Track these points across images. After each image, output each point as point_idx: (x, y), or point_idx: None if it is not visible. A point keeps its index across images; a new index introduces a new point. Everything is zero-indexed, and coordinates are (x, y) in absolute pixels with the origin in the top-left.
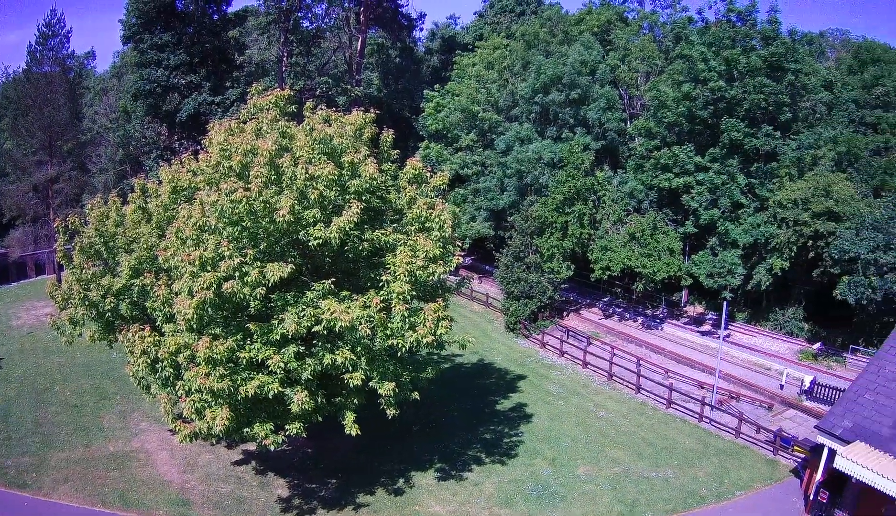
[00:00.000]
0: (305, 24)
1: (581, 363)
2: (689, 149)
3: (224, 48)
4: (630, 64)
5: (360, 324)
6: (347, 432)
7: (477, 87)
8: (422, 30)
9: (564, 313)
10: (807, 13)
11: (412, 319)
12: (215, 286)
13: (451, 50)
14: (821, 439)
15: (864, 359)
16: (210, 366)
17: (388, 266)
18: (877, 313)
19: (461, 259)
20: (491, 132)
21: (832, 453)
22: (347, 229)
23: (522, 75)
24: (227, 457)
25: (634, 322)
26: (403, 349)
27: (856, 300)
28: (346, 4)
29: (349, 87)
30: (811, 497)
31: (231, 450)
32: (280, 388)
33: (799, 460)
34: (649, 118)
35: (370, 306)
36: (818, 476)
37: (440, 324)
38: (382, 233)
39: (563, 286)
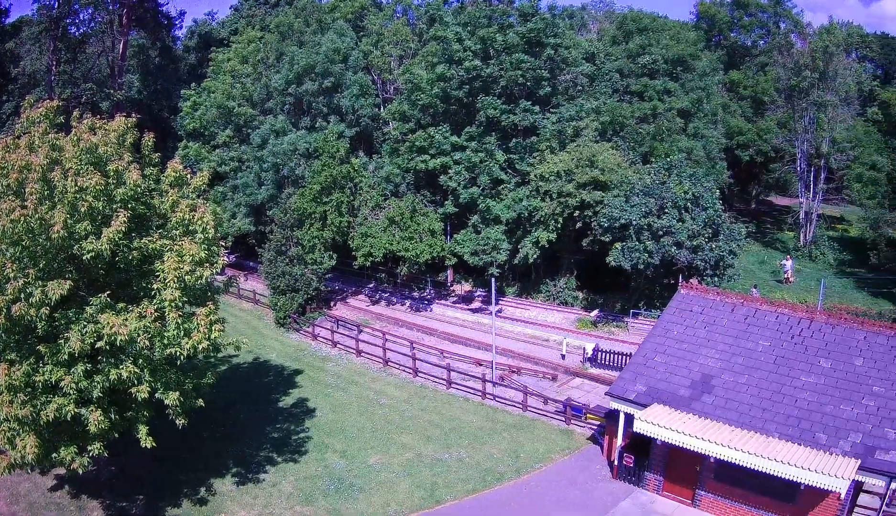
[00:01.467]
0: (73, 30)
1: (355, 352)
2: (444, 129)
3: (1, 61)
4: (383, 49)
5: (139, 335)
6: (143, 446)
7: (232, 83)
8: (181, 28)
9: (332, 303)
10: None
11: (186, 326)
12: (5, 310)
13: (208, 46)
14: (614, 405)
15: (647, 323)
16: (11, 393)
17: (157, 273)
18: (655, 276)
19: (226, 259)
20: (247, 127)
21: (630, 418)
22: (117, 239)
23: (277, 67)
24: (44, 484)
25: (403, 305)
26: (182, 357)
27: (632, 265)
28: (110, 7)
29: (112, 91)
30: (615, 462)
31: (46, 477)
32: (76, 409)
33: (595, 427)
34: (403, 102)
35: (145, 316)
36: (619, 441)
37: (213, 328)
38: (150, 241)
39: (327, 276)
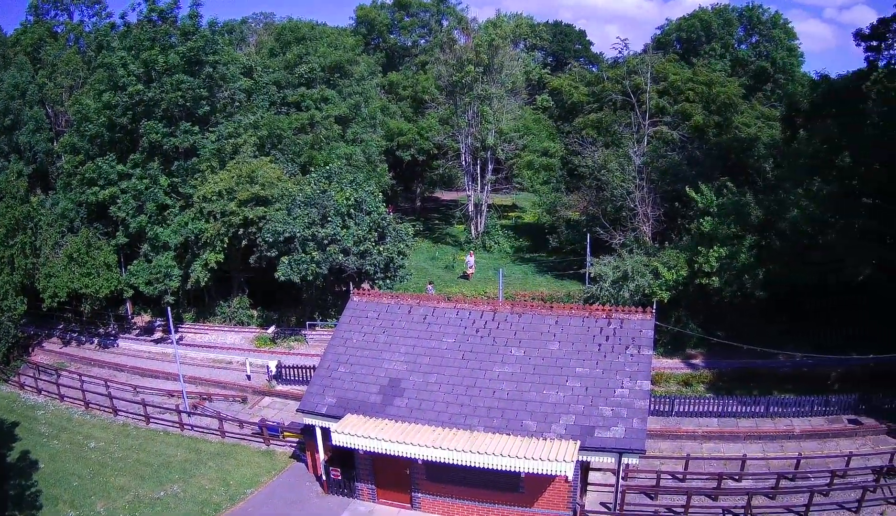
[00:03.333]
0: None
1: (58, 397)
2: (111, 158)
3: None
4: (56, 80)
5: None
6: None
7: None
8: None
9: (31, 349)
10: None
11: None
12: None
13: None
14: (308, 420)
15: (326, 333)
16: None
17: None
18: (326, 286)
19: None
20: None
21: (326, 431)
22: None
23: None
24: None
25: (91, 344)
26: None
27: (301, 278)
28: None
29: None
30: (323, 477)
31: None
32: None
33: (295, 445)
34: (73, 133)
35: None
36: (321, 456)
37: None
38: None
39: (22, 322)
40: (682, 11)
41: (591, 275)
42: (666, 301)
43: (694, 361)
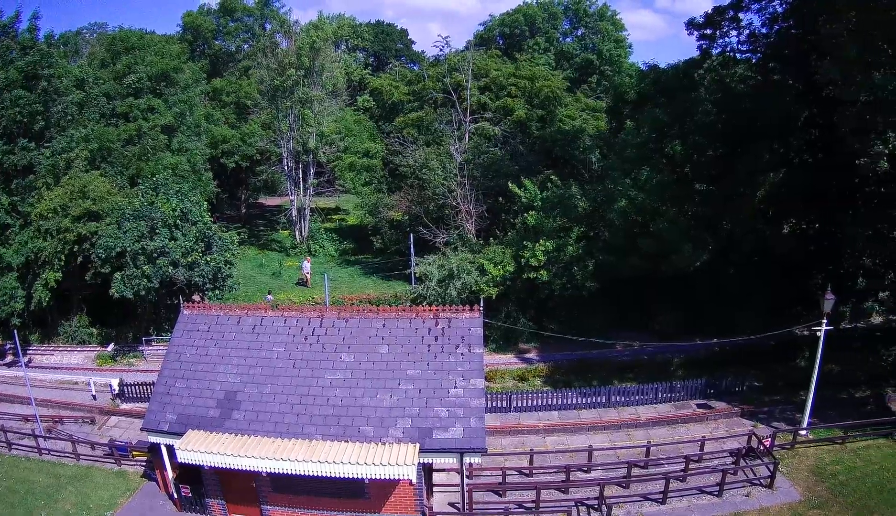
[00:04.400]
0: None
1: None
2: None
3: None
4: None
5: None
6: None
7: None
8: None
9: None
10: (76, 12)
11: None
12: None
13: None
14: (153, 438)
15: (163, 348)
16: None
17: None
18: (159, 299)
19: None
20: None
21: (171, 448)
22: None
23: None
24: None
25: None
26: None
27: (134, 293)
28: None
29: None
30: (174, 495)
31: None
32: None
33: (145, 464)
34: None
35: None
36: (169, 474)
37: None
38: None
39: None
40: (506, 7)
41: (417, 275)
42: (494, 297)
43: (528, 355)
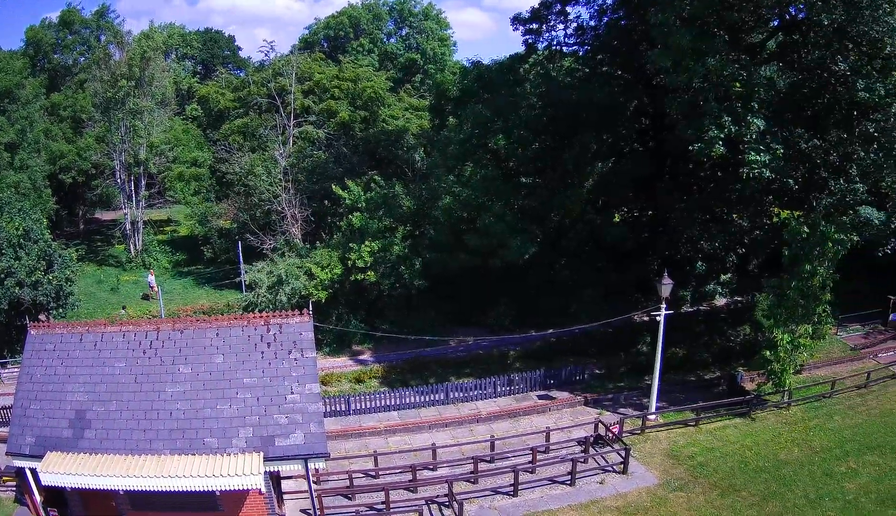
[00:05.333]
0: None
1: None
2: None
3: None
4: None
5: None
6: None
7: None
8: None
9: None
10: None
11: None
12: None
13: None
14: (17, 462)
15: (17, 370)
16: None
17: None
18: (9, 321)
19: None
20: None
21: (35, 472)
22: None
23: None
24: None
25: None
26: None
27: None
28: None
29: None
30: None
31: None
32: None
33: (14, 489)
34: None
35: None
36: (37, 497)
37: None
38: None
39: None
40: (333, 10)
41: (248, 283)
42: (324, 300)
43: (362, 357)
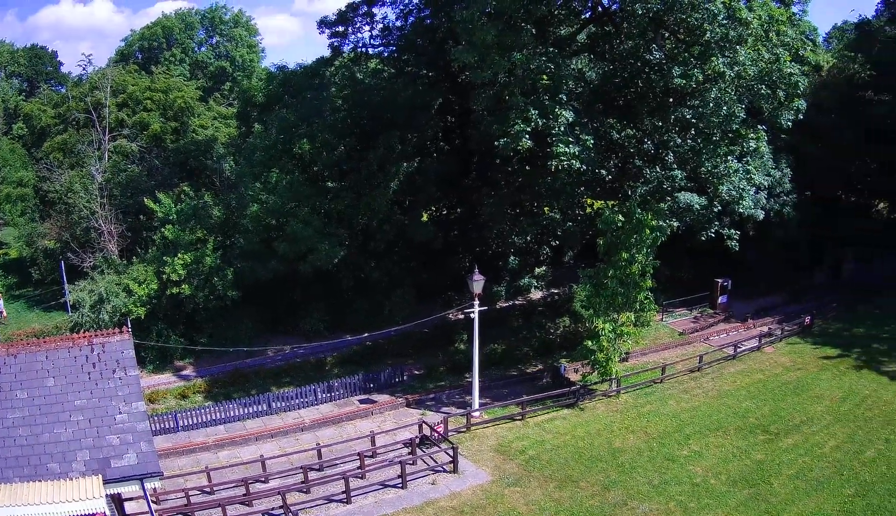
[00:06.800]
0: None
1: None
2: None
3: None
4: None
5: None
6: None
7: None
8: None
9: None
10: None
11: None
12: None
13: None
14: None
15: None
16: None
17: None
18: None
19: None
20: None
21: None
22: None
23: None
24: None
25: None
26: None
27: None
28: None
29: None
30: None
31: None
32: None
33: None
34: None
35: None
36: None
37: None
38: None
39: None
40: (150, 20)
41: (72, 303)
42: (144, 316)
43: (185, 372)
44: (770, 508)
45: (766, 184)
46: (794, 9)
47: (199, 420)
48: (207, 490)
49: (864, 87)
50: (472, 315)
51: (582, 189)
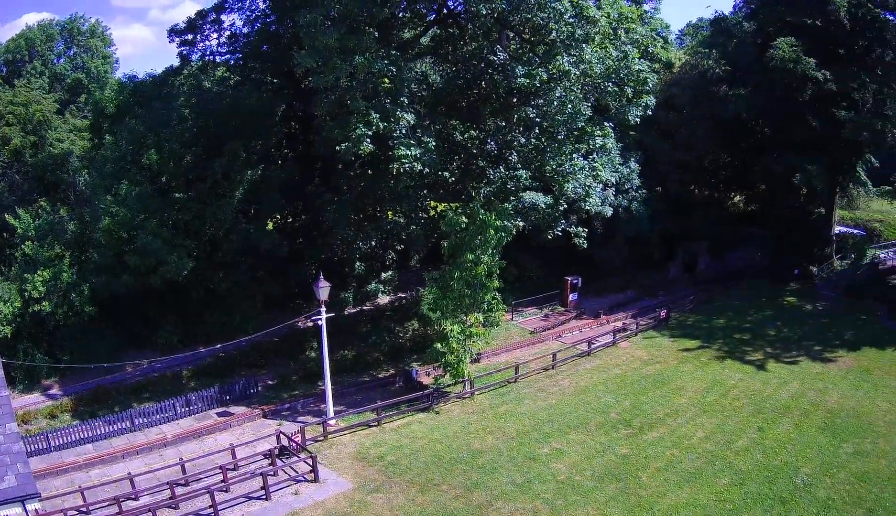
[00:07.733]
0: None
1: None
2: None
3: None
4: None
5: None
6: None
7: None
8: None
9: None
10: None
11: None
12: None
13: None
14: None
15: None
16: None
17: None
18: None
19: None
20: None
21: None
22: None
23: None
24: None
25: None
26: None
27: None
28: None
29: None
30: None
31: None
32: None
33: None
34: None
35: None
36: None
37: None
38: None
39: None
40: (16, 32)
41: None
42: (10, 335)
43: (52, 391)
44: (641, 501)
45: (613, 180)
46: (646, 6)
47: (69, 439)
48: (84, 509)
49: (718, 82)
50: (319, 322)
51: (425, 191)
